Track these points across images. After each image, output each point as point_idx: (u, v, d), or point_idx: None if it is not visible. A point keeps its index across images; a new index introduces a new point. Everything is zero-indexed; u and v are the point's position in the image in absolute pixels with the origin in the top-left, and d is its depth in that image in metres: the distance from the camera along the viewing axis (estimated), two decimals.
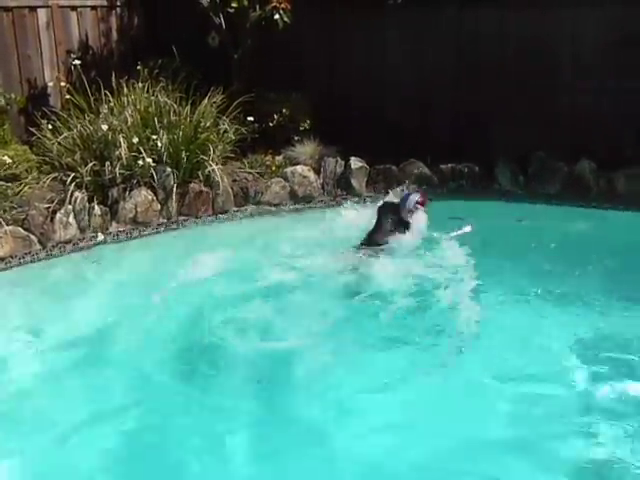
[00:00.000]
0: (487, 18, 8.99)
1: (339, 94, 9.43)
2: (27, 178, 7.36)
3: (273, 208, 8.23)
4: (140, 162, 7.49)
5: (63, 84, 8.39)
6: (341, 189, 8.52)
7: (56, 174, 7.45)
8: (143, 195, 7.54)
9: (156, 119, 7.83)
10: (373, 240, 6.71)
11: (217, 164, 7.90)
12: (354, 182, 8.49)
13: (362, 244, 6.71)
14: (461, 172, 8.62)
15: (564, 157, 8.45)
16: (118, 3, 9.64)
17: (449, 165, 8.65)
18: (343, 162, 8.55)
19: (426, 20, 9.14)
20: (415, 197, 7.00)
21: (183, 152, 7.77)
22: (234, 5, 8.72)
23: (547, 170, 8.49)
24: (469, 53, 9.13)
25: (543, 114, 8.68)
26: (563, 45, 8.75)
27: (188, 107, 8.04)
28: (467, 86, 9.15)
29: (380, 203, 7.29)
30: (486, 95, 8.97)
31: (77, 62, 8.43)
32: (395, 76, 9.39)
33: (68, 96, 8.01)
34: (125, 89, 8.03)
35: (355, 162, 8.54)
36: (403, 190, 7.73)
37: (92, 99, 7.88)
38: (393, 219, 6.86)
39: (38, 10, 8.47)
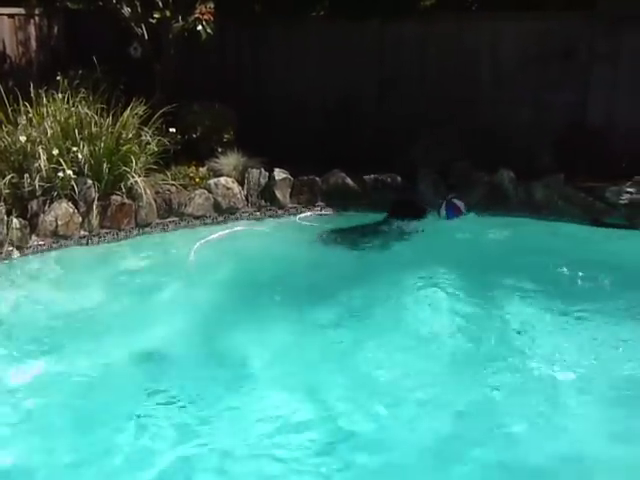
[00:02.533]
0: (409, 31, 9.15)
1: (263, 105, 9.47)
2: None
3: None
4: (60, 174, 7.37)
5: None
6: (265, 200, 8.52)
7: None
8: (64, 208, 7.41)
9: (76, 130, 7.72)
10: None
11: (140, 176, 7.82)
12: (278, 193, 8.51)
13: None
14: (384, 183, 8.71)
15: (485, 167, 8.59)
16: (37, 12, 9.48)
17: (372, 176, 8.72)
18: (267, 173, 8.56)
19: (349, 33, 9.26)
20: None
21: (105, 164, 7.68)
22: (156, 16, 8.70)
23: (468, 180, 8.63)
24: (391, 65, 9.28)
25: (464, 125, 8.84)
26: (483, 58, 8.97)
27: (109, 118, 7.93)
28: (390, 98, 9.29)
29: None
30: (408, 107, 9.11)
31: None
32: (318, 87, 9.48)
33: None
34: (44, 100, 7.89)
35: (279, 173, 8.55)
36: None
37: (10, 110, 7.72)
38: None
39: None
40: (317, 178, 8.68)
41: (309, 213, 8.57)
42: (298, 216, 8.52)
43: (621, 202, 7.93)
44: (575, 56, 8.53)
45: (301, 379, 5.02)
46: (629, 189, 7.96)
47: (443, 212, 8.21)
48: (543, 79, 8.65)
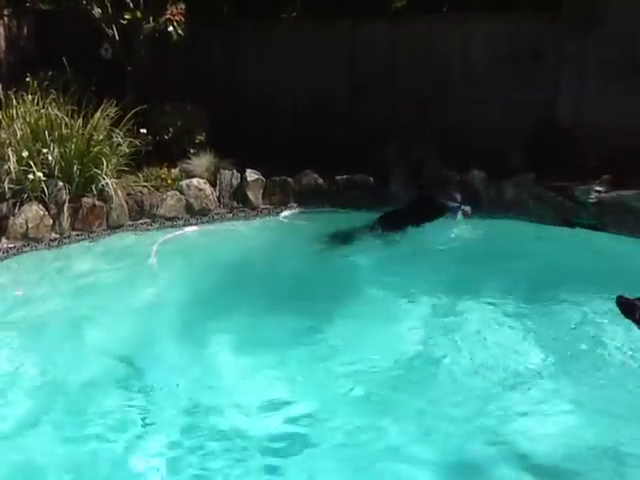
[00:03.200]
0: (380, 33, 9.20)
1: (235, 106, 9.47)
2: None
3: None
4: (30, 176, 7.33)
5: None
6: (237, 201, 8.51)
7: None
8: (34, 210, 7.36)
9: (47, 132, 7.67)
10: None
11: (111, 178, 7.79)
12: (250, 194, 8.51)
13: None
14: (356, 183, 8.73)
15: (456, 167, 8.64)
16: (6, 12, 9.40)
17: (344, 176, 8.73)
18: (239, 174, 8.55)
19: (321, 34, 9.29)
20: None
21: (75, 166, 7.64)
22: (127, 16, 8.65)
23: (439, 180, 8.67)
24: (363, 67, 9.31)
25: (435, 125, 8.91)
26: (454, 59, 9.03)
27: (80, 120, 7.87)
28: (361, 99, 9.32)
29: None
30: (379, 108, 9.15)
31: None
32: (290, 89, 9.51)
33: None
34: (14, 101, 7.84)
35: (251, 174, 8.55)
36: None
37: None
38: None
39: None
40: (289, 179, 8.69)
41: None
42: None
43: (590, 201, 8.02)
44: (544, 57, 8.62)
45: None
46: (598, 188, 8.05)
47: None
48: (513, 80, 8.73)
